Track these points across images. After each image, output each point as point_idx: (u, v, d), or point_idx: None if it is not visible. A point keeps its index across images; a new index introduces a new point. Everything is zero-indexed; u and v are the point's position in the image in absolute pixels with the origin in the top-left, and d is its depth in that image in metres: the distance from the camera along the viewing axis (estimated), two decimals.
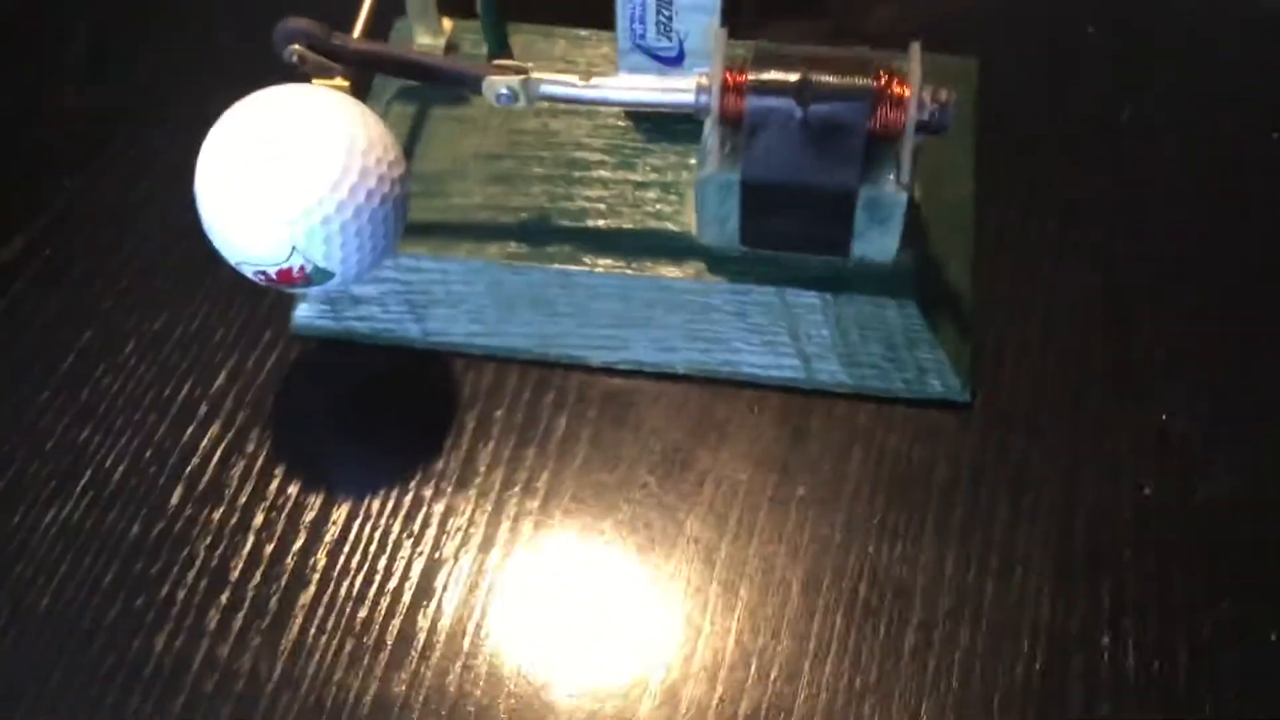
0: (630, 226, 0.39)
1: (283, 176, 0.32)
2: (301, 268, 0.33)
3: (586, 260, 0.39)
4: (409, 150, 0.41)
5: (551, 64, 0.43)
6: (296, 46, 0.35)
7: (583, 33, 0.44)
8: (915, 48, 0.34)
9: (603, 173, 0.41)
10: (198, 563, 0.35)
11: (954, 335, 0.38)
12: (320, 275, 0.33)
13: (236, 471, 0.37)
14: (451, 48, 0.44)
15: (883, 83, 0.34)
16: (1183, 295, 0.40)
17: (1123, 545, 0.35)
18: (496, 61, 0.36)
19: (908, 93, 0.33)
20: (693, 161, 0.41)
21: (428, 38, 0.43)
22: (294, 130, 0.32)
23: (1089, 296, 0.40)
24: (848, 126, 0.34)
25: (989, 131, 0.43)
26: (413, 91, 0.42)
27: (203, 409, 0.38)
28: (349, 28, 0.38)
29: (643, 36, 0.40)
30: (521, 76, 0.35)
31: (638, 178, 0.40)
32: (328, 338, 0.40)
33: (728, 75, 0.34)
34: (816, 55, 0.34)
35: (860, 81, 0.33)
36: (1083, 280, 0.40)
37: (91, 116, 0.47)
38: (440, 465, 0.37)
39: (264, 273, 0.33)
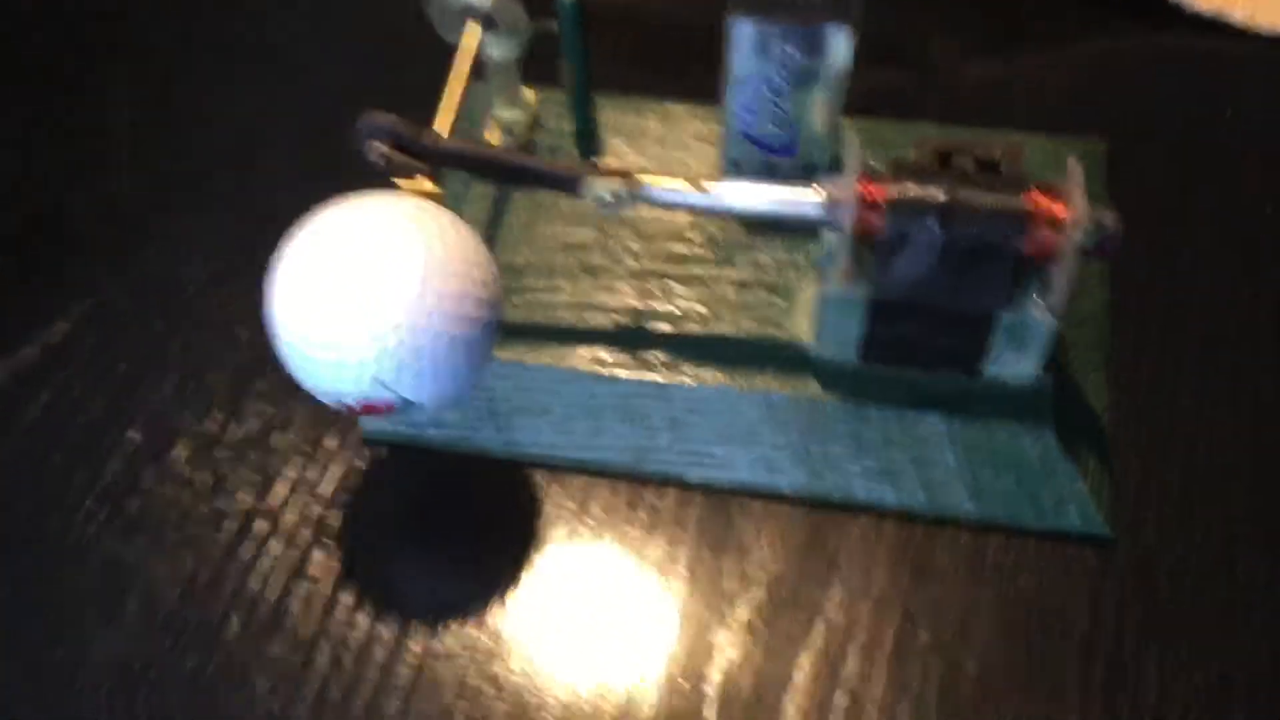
0: (733, 332, 0.36)
1: (363, 306, 0.28)
2: (387, 400, 0.29)
3: (685, 371, 0.35)
4: (488, 238, 0.38)
5: (645, 144, 0.40)
6: (381, 145, 0.31)
7: (677, 107, 0.41)
8: (1075, 165, 0.30)
9: (702, 269, 0.37)
10: (255, 708, 0.32)
11: (1093, 464, 0.34)
12: (407, 406, 0.30)
13: (299, 598, 0.34)
14: (534, 122, 0.40)
15: (1038, 203, 0.30)
16: None
17: None
18: (597, 161, 0.32)
19: (1066, 214, 0.30)
20: (801, 259, 0.37)
21: (508, 111, 0.40)
22: (375, 252, 0.29)
23: (1233, 428, 0.36)
24: (997, 250, 0.30)
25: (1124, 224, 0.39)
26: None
27: (262, 524, 0.35)
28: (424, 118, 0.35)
29: (752, 126, 0.36)
30: (626, 181, 0.32)
31: (741, 276, 0.37)
32: (400, 443, 0.37)
33: (864, 189, 0.31)
34: (963, 173, 0.31)
35: (1012, 203, 0.30)
36: (1227, 409, 0.37)
37: (140, 201, 0.43)
38: (524, 592, 0.34)
39: (346, 404, 0.30)
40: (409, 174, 0.32)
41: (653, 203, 0.33)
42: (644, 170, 0.33)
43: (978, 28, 0.47)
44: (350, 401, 0.30)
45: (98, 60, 0.48)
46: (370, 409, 0.30)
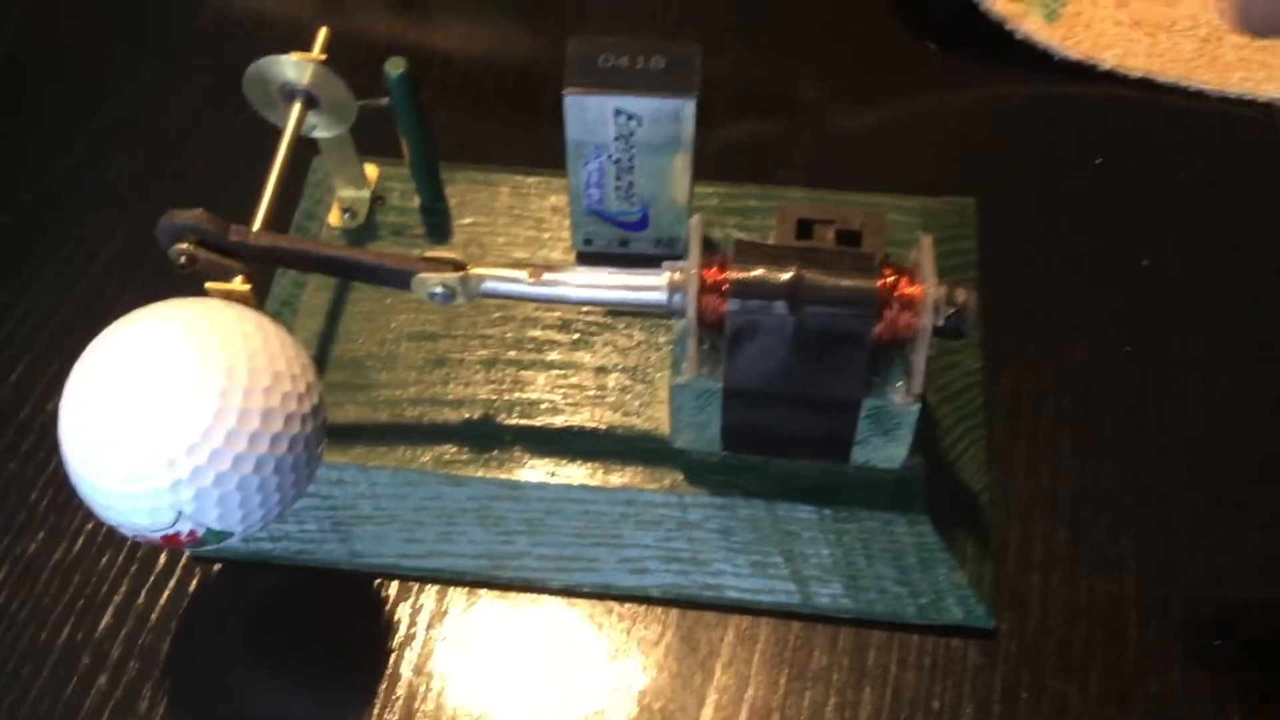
0: (591, 424, 0.34)
1: (151, 431, 0.26)
2: (192, 531, 0.27)
3: (542, 468, 0.33)
4: (327, 329, 0.35)
5: (497, 220, 0.38)
6: (185, 245, 0.29)
7: (528, 180, 0.39)
8: (926, 240, 0.29)
9: (556, 355, 0.35)
10: None
11: (973, 550, 0.33)
12: (215, 536, 0.27)
13: None
14: (378, 199, 0.38)
15: (889, 281, 0.28)
16: (1223, 484, 0.35)
17: None
18: (427, 254, 0.30)
19: (919, 293, 0.28)
20: (661, 341, 0.35)
21: (350, 189, 0.38)
22: (163, 370, 0.26)
23: (1118, 488, 0.35)
24: (850, 334, 0.28)
25: (990, 286, 0.38)
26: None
27: (85, 659, 0.32)
28: (244, 217, 0.32)
29: (600, 202, 0.34)
30: (459, 273, 0.30)
31: (598, 361, 0.35)
32: (234, 560, 0.34)
33: (705, 273, 0.29)
34: (810, 248, 0.29)
35: (863, 282, 0.28)
36: (1108, 469, 0.35)
37: None
38: (377, 717, 0.31)
39: (144, 536, 0.27)
40: (223, 274, 0.30)
41: (489, 295, 0.30)
42: (480, 258, 0.30)
43: (844, 75, 0.45)
44: (150, 534, 0.27)
45: None
46: (173, 541, 0.27)
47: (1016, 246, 0.40)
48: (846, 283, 0.28)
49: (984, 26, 0.45)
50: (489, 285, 0.30)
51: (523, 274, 0.30)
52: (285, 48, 0.33)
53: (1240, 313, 0.38)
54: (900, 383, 0.30)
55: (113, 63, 0.46)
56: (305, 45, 0.34)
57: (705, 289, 0.29)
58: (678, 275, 0.29)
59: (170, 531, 0.26)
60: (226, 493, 0.26)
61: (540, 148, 0.38)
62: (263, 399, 0.26)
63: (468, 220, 0.38)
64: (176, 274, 0.30)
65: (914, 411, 0.30)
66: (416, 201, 0.38)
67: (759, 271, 0.28)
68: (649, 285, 0.29)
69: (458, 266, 0.30)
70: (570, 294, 0.30)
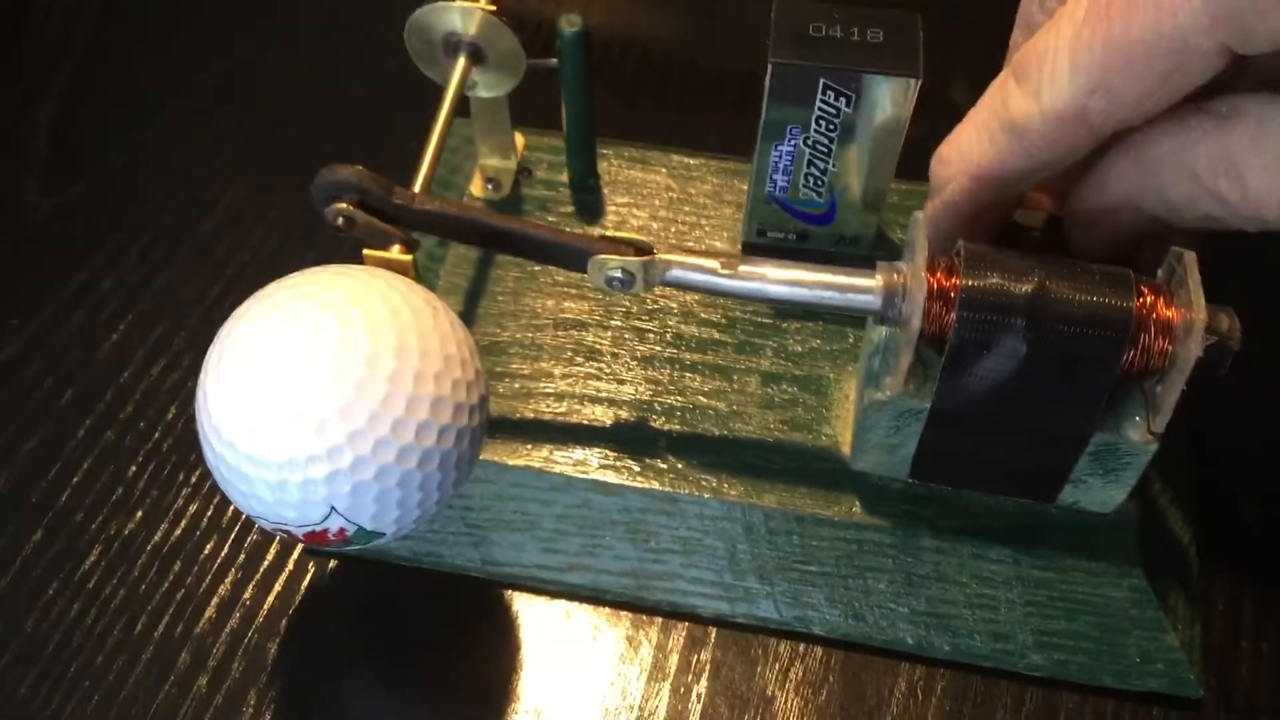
0: (758, 435, 0.30)
1: (308, 416, 0.22)
2: (341, 530, 0.23)
3: (703, 481, 0.30)
4: (465, 315, 0.32)
5: (652, 204, 0.34)
6: (344, 205, 0.25)
7: (690, 161, 0.35)
8: (1190, 257, 0.25)
9: (721, 357, 0.31)
10: None
11: (1184, 611, 0.29)
12: (365, 536, 0.24)
13: None
14: (524, 171, 0.35)
15: (1146, 302, 0.25)
16: None
17: None
18: (609, 235, 0.26)
19: (1179, 318, 0.25)
20: (837, 348, 0.31)
21: (495, 158, 0.34)
22: (338, 346, 0.23)
23: None
24: (1096, 359, 0.25)
25: None
26: None
27: (185, 655, 0.29)
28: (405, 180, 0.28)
29: (785, 190, 0.31)
30: (643, 258, 0.26)
31: (766, 366, 0.31)
32: (353, 555, 0.31)
33: (931, 278, 0.25)
34: (1052, 262, 0.25)
35: (1117, 301, 0.25)
36: None
37: (61, 259, 0.36)
38: None
39: (287, 530, 0.24)
40: (381, 241, 0.26)
41: (673, 284, 0.27)
42: (656, 240, 0.27)
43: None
44: (295, 530, 0.23)
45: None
46: (319, 539, 0.24)
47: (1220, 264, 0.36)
48: (1098, 299, 0.25)
49: None
50: (675, 274, 0.27)
51: (715, 263, 0.26)
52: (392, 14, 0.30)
53: None
54: (1139, 418, 0.26)
55: (223, 18, 0.43)
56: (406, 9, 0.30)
57: (932, 295, 0.25)
58: (897, 277, 0.26)
59: (318, 528, 0.23)
60: (387, 489, 0.23)
61: (711, 138, 0.35)
62: (433, 386, 0.23)
63: (621, 200, 0.34)
64: (293, 235, 0.26)
65: (1150, 451, 0.26)
66: (565, 176, 0.35)
67: (995, 280, 0.25)
68: (861, 286, 0.26)
69: (641, 250, 0.27)
70: (769, 290, 0.26)
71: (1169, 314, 0.25)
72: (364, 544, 0.24)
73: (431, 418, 0.23)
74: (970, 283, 0.25)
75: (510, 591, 0.30)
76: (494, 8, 0.30)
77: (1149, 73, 0.22)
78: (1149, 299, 0.25)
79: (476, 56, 0.30)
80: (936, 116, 0.40)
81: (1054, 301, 0.25)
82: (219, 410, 0.23)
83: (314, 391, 0.22)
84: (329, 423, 0.22)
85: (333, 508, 0.23)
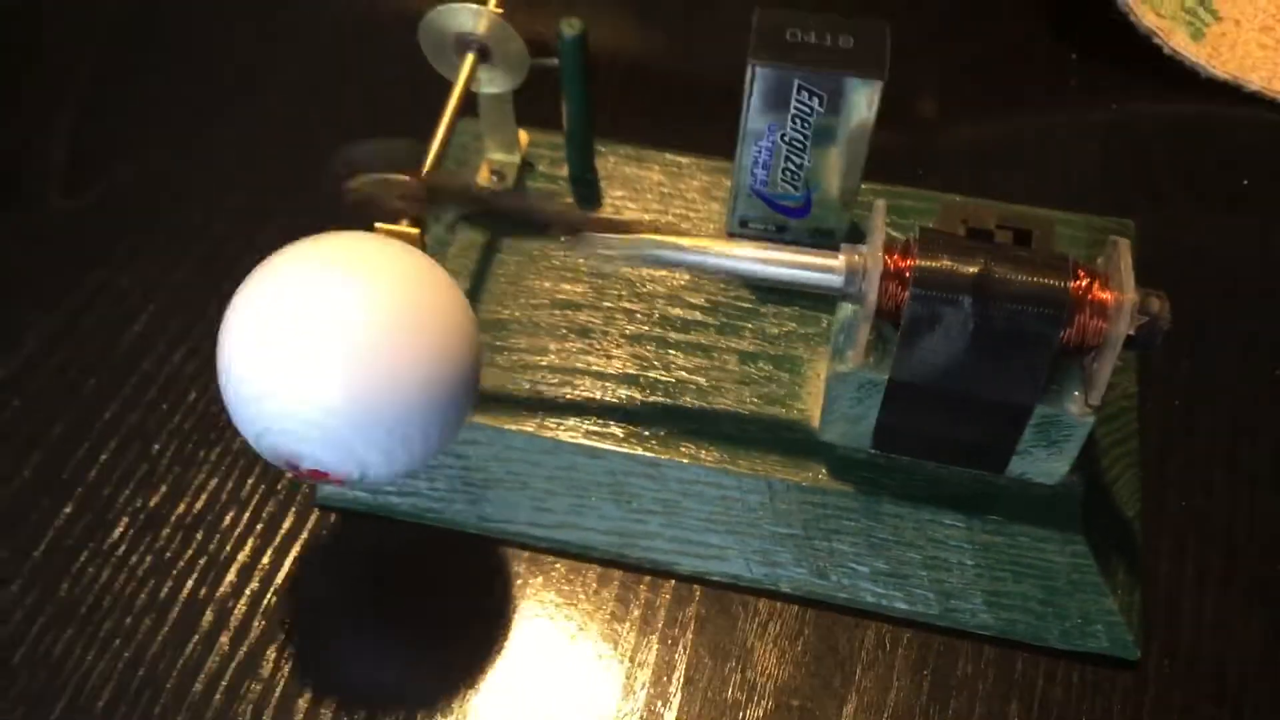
0: (735, 408, 0.33)
1: (314, 356, 0.25)
2: (339, 462, 0.26)
3: (681, 448, 0.32)
4: (472, 290, 0.35)
5: (645, 197, 0.37)
6: (360, 181, 0.28)
7: (681, 159, 0.38)
8: (1124, 244, 0.27)
9: (703, 336, 0.34)
10: None
11: (1124, 578, 0.31)
12: (361, 473, 0.26)
13: (250, 702, 0.30)
14: (527, 165, 0.37)
15: (1082, 284, 0.27)
16: None
17: None
18: (597, 216, 0.29)
19: (1113, 299, 0.27)
20: (811, 331, 0.34)
21: (500, 152, 0.37)
22: (333, 299, 0.25)
23: (1271, 517, 0.33)
24: (1036, 335, 0.27)
25: None
26: (480, 216, 0.36)
27: (209, 615, 0.31)
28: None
29: (764, 183, 0.34)
30: (628, 235, 0.29)
31: (745, 346, 0.34)
32: (360, 512, 0.33)
33: (888, 259, 0.28)
34: (998, 247, 0.28)
35: (1056, 282, 0.27)
36: (1263, 496, 0.34)
37: (79, 243, 0.39)
38: (497, 691, 0.30)
39: (293, 465, 0.26)
40: (392, 215, 0.29)
41: (653, 262, 0.30)
42: (648, 223, 0.30)
43: (972, 88, 0.45)
44: (303, 466, 0.26)
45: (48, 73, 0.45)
46: (321, 476, 0.26)
47: (1166, 266, 0.38)
48: (1038, 280, 0.27)
49: (1127, 39, 0.44)
50: (654, 251, 0.29)
51: (697, 243, 0.29)
52: (410, 8, 0.32)
53: None
54: (1077, 393, 0.29)
55: (226, 23, 0.46)
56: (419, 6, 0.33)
57: (888, 274, 0.28)
58: (858, 258, 0.28)
59: (320, 465, 0.26)
60: (381, 430, 0.25)
61: (699, 140, 0.38)
62: (427, 339, 0.26)
63: (617, 193, 0.37)
64: (302, 231, 0.29)
65: (1088, 424, 0.29)
66: (565, 170, 0.37)
67: (945, 262, 0.27)
68: (826, 265, 0.28)
69: (626, 228, 0.29)
70: (741, 266, 0.29)
71: (1103, 295, 0.27)
72: (362, 481, 0.27)
73: (424, 368, 0.26)
74: (922, 263, 0.28)
75: (505, 548, 0.33)
76: (500, 10, 0.32)
77: None
78: (1085, 281, 0.27)
79: (484, 55, 0.33)
80: (908, 126, 0.43)
81: (998, 281, 0.27)
82: (231, 350, 0.26)
83: (317, 341, 0.25)
84: (328, 368, 0.25)
85: (333, 444, 0.25)
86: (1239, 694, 0.30)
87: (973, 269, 0.27)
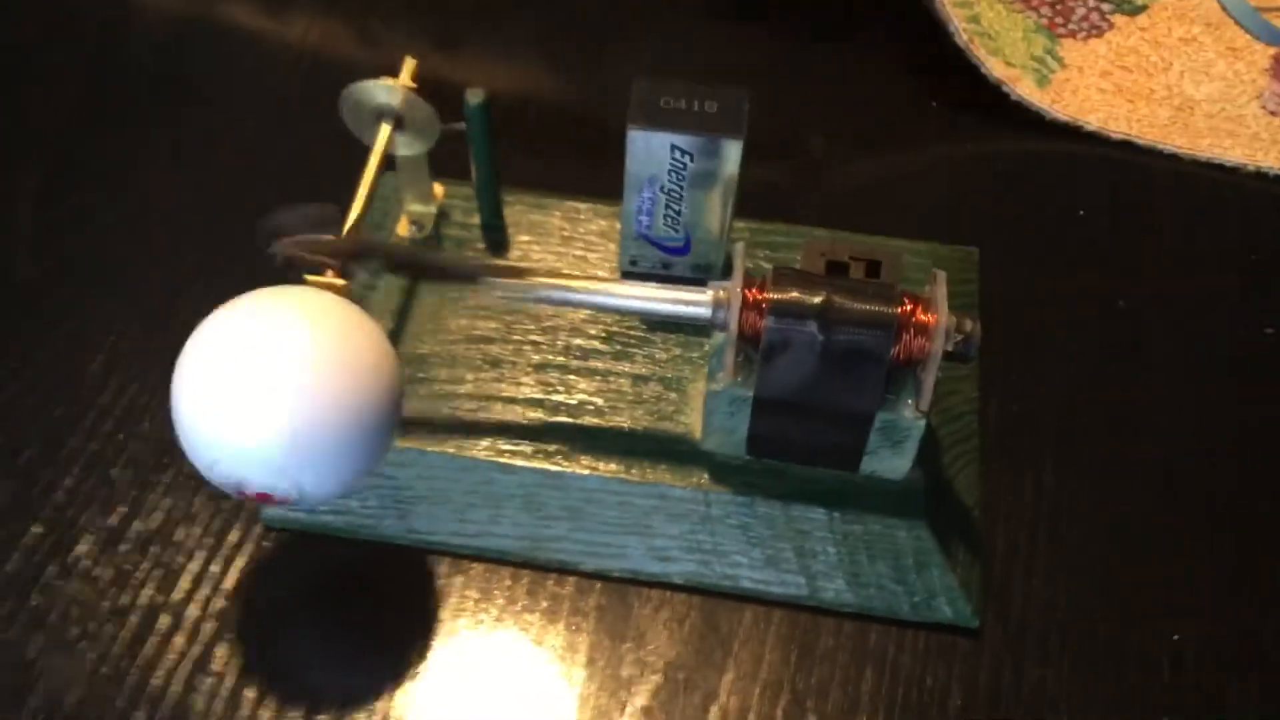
0: (628, 425, 0.37)
1: (263, 400, 0.29)
2: (285, 490, 0.30)
3: (582, 462, 0.37)
4: (395, 329, 0.39)
5: (549, 240, 0.42)
6: (288, 242, 0.32)
7: (580, 206, 0.43)
8: (941, 275, 0.33)
9: (600, 363, 0.39)
10: None
11: (964, 557, 0.36)
12: (302, 496, 0.31)
13: (203, 693, 0.34)
14: (441, 215, 0.42)
15: (907, 310, 0.33)
16: (1182, 503, 0.39)
17: None
18: (492, 262, 0.34)
19: (933, 321, 0.32)
20: (694, 355, 0.39)
21: (418, 204, 0.41)
22: (276, 348, 0.30)
23: (1090, 507, 0.39)
24: (870, 353, 0.33)
25: (989, 323, 0.42)
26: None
27: (165, 619, 0.35)
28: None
29: (649, 228, 0.38)
30: (521, 279, 0.34)
31: (637, 370, 0.39)
32: (301, 531, 0.37)
33: (747, 293, 0.33)
34: (838, 278, 0.33)
35: (885, 309, 0.32)
36: (1084, 489, 0.39)
37: (39, 289, 0.43)
38: (429, 680, 0.34)
39: (244, 492, 0.30)
40: (317, 269, 0.33)
41: (547, 301, 0.34)
42: (546, 267, 0.34)
43: (851, 130, 0.50)
44: (249, 491, 0.30)
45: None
46: (266, 499, 0.30)
47: (1008, 288, 0.44)
48: (870, 308, 0.32)
49: (982, 89, 0.50)
50: (547, 292, 0.34)
51: (585, 284, 0.34)
52: (332, 83, 0.37)
53: (1204, 350, 0.43)
54: (911, 400, 0.34)
55: (170, 101, 0.50)
56: (340, 80, 0.37)
57: (747, 306, 0.33)
58: (722, 293, 0.33)
59: (270, 490, 0.30)
60: (319, 459, 0.30)
61: (595, 183, 0.42)
62: (356, 379, 0.30)
63: (524, 238, 0.42)
64: (248, 284, 0.33)
65: (920, 425, 0.34)
66: (477, 219, 0.42)
67: (794, 294, 0.33)
68: (696, 300, 0.33)
69: (524, 273, 0.34)
70: (623, 303, 0.34)
71: (925, 318, 0.33)
72: (298, 503, 0.31)
73: (356, 404, 0.30)
74: (775, 296, 0.33)
75: (430, 555, 0.37)
76: (414, 85, 0.37)
77: None
78: (909, 307, 0.33)
79: (399, 123, 0.37)
80: (780, 167, 0.48)
81: (838, 309, 0.32)
82: (186, 402, 0.30)
83: (266, 385, 0.29)
84: (277, 409, 0.29)
85: (282, 473, 0.30)
86: (1060, 655, 0.36)
87: (817, 299, 0.32)
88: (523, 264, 0.34)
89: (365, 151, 0.38)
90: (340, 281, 0.33)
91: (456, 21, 0.53)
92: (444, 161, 0.41)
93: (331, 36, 0.52)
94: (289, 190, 0.45)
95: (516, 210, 0.43)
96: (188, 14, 0.53)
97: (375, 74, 0.37)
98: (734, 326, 0.33)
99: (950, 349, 0.32)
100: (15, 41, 0.51)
